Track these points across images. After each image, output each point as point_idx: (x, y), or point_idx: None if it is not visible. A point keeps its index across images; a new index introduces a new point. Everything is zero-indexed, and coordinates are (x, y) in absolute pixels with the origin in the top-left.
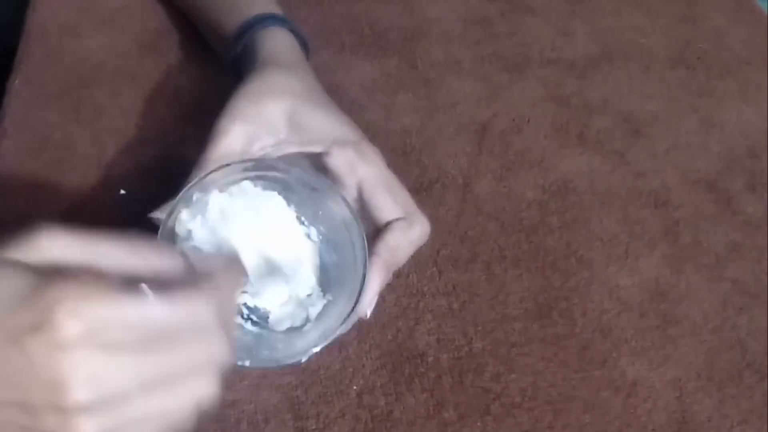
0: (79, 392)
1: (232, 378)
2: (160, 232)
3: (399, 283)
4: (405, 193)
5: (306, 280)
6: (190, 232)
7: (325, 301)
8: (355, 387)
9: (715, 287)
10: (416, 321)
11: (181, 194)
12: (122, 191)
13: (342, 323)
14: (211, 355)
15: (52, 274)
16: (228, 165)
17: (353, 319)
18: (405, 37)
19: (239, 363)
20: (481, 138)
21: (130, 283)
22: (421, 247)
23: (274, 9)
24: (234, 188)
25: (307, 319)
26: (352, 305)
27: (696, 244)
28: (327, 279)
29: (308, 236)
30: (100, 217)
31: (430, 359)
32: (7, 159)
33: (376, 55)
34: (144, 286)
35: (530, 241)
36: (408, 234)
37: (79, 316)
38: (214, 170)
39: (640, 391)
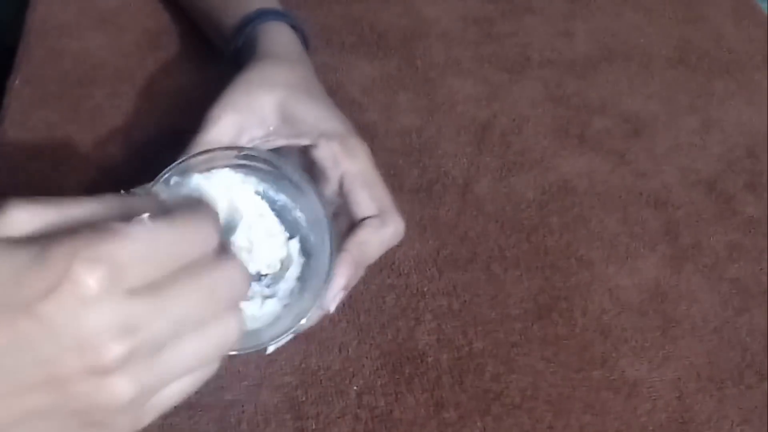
0: (113, 346)
1: (232, 378)
2: None
3: (399, 283)
4: (384, 190)
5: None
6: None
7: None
8: (355, 387)
9: (715, 287)
10: (416, 321)
11: (159, 176)
12: (122, 191)
13: (304, 317)
14: (231, 282)
15: (49, 238)
16: (209, 151)
17: (317, 313)
18: (405, 37)
19: None
20: (481, 138)
21: (125, 220)
22: (421, 248)
23: (275, 4)
24: (214, 174)
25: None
26: (314, 299)
27: (696, 244)
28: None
29: (284, 229)
30: None
31: (430, 359)
32: (7, 159)
33: (376, 55)
34: (143, 216)
35: (530, 241)
36: (379, 232)
37: (97, 263)
38: (195, 155)
39: (640, 391)
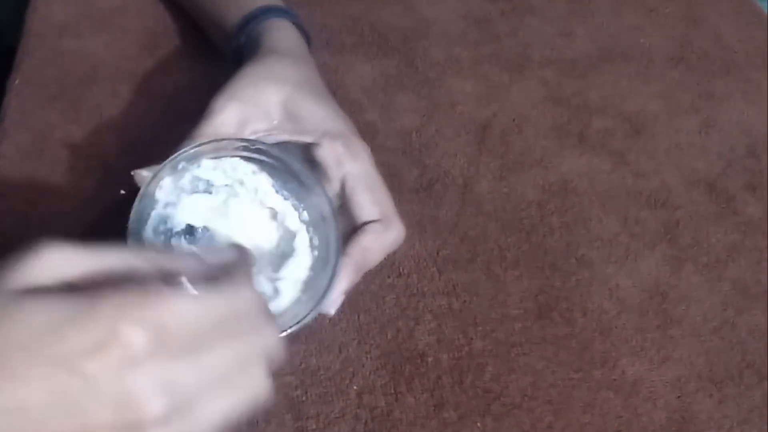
0: (155, 404)
1: None
2: (140, 194)
3: (399, 283)
4: (386, 194)
5: (292, 270)
6: (172, 198)
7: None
8: (355, 387)
9: (715, 287)
10: (416, 321)
11: (168, 161)
12: (122, 191)
13: (304, 319)
14: (264, 344)
15: (95, 291)
16: (219, 140)
17: (315, 314)
18: (405, 37)
19: None
20: (481, 138)
21: (168, 283)
22: (421, 248)
23: (278, 2)
24: (223, 161)
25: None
26: (316, 301)
27: (696, 244)
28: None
29: (294, 223)
30: (100, 217)
31: (430, 359)
32: (7, 159)
33: (376, 55)
34: (184, 280)
35: (530, 241)
36: (382, 237)
37: (144, 326)
38: (205, 143)
39: (640, 391)
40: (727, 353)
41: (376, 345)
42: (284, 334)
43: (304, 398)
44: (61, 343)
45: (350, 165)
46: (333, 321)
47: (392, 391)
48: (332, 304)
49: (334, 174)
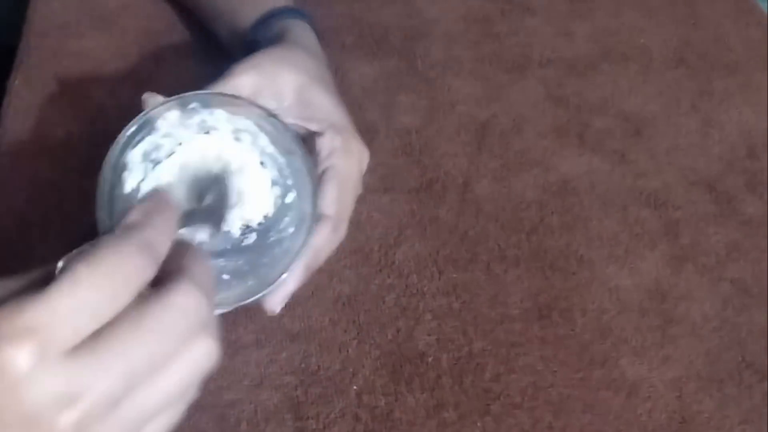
0: (61, 419)
1: (232, 378)
2: (141, 114)
3: (399, 283)
4: (352, 200)
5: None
6: (173, 131)
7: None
8: (355, 387)
9: (715, 287)
10: (416, 321)
11: (181, 95)
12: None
13: (247, 300)
14: (183, 315)
15: None
16: (237, 96)
17: (258, 302)
18: (405, 37)
19: None
20: (481, 138)
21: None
22: (421, 248)
23: (292, 3)
24: (237, 119)
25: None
26: (264, 289)
27: (696, 244)
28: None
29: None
30: None
31: (430, 359)
32: (7, 159)
33: (376, 55)
34: (59, 264)
35: (530, 241)
36: (331, 239)
37: (21, 337)
38: (224, 93)
39: (640, 391)
40: (727, 353)
41: (376, 345)
42: (221, 311)
43: (304, 398)
44: None
45: (338, 158)
46: (333, 321)
47: (392, 391)
48: (278, 304)
49: (322, 163)
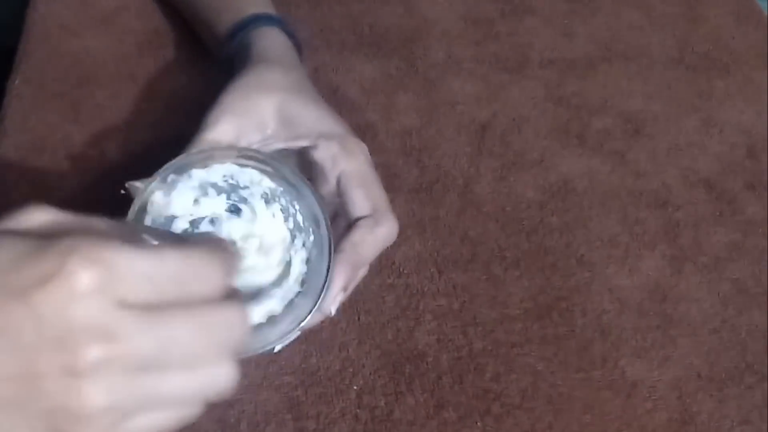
0: (91, 346)
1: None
2: (132, 207)
3: (399, 283)
4: (380, 190)
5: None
6: (165, 210)
7: (292, 297)
8: (355, 387)
9: (715, 287)
10: (416, 321)
11: (157, 173)
12: (122, 191)
13: (303, 321)
14: (230, 327)
15: (60, 231)
16: (207, 150)
17: (317, 316)
18: (405, 37)
19: None
20: (481, 138)
21: (133, 239)
22: (421, 248)
23: (269, 9)
24: (214, 168)
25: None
26: (314, 302)
27: (696, 244)
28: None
29: (289, 231)
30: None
31: (430, 359)
32: (7, 159)
33: (376, 55)
34: (148, 237)
35: (530, 241)
36: (373, 231)
37: (94, 264)
38: (193, 153)
39: (640, 391)
40: (727, 353)
41: (376, 345)
42: (286, 340)
43: (304, 398)
44: (16, 275)
45: (345, 163)
46: (333, 321)
47: (392, 391)
48: (332, 303)
49: (331, 174)
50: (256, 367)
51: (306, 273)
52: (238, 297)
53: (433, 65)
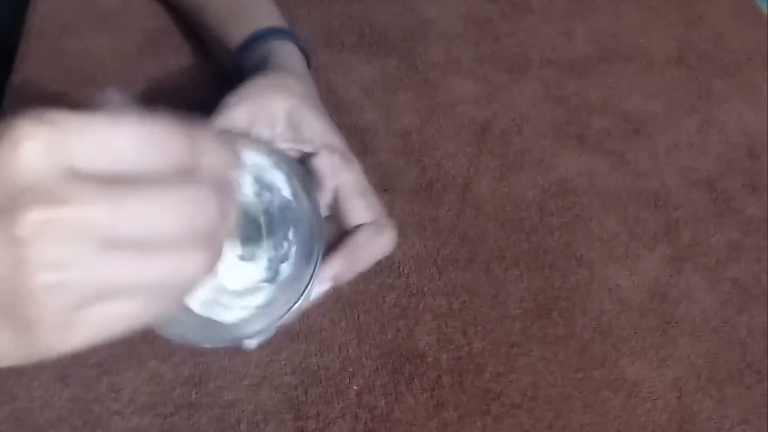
0: (33, 210)
1: (232, 378)
2: None
3: (399, 283)
4: (379, 202)
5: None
6: None
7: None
8: (355, 387)
9: (715, 287)
10: (416, 321)
11: None
12: None
13: (286, 313)
14: (197, 208)
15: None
16: (233, 133)
17: (299, 307)
18: (405, 37)
19: (177, 338)
20: (481, 138)
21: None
22: (421, 248)
23: (282, 22)
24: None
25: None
26: (299, 295)
27: (696, 244)
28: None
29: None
30: None
31: (430, 359)
32: None
33: (376, 55)
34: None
35: (530, 241)
36: (376, 237)
37: (43, 123)
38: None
39: (640, 391)
40: (727, 353)
41: (376, 345)
42: (268, 334)
43: (304, 398)
44: None
45: (345, 175)
46: (333, 321)
47: (392, 391)
48: (317, 290)
49: (329, 183)
50: (256, 367)
51: (294, 262)
52: (208, 179)
53: (433, 65)
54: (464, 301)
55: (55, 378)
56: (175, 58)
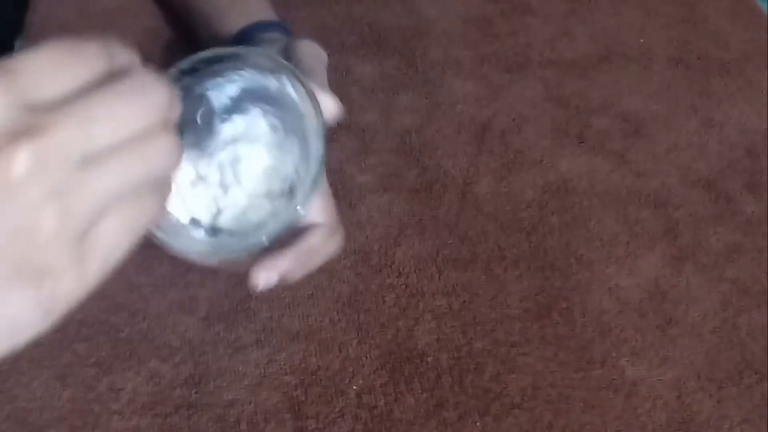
0: (19, 149)
1: (232, 378)
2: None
3: (399, 283)
4: (334, 206)
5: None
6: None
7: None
8: (355, 387)
9: (715, 287)
10: (416, 321)
11: (178, 63)
12: None
13: (311, 191)
14: (152, 96)
15: None
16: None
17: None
18: (405, 37)
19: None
20: (481, 138)
21: None
22: (421, 248)
23: (273, 16)
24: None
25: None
26: (296, 209)
27: (696, 244)
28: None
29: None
30: None
31: (430, 359)
32: None
33: (376, 55)
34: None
35: (530, 241)
36: (329, 240)
37: None
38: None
39: (640, 391)
40: (727, 353)
41: (376, 345)
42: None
43: (304, 398)
44: None
45: None
46: (333, 321)
47: (392, 391)
48: (258, 276)
49: None
50: (256, 367)
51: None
52: (135, 71)
53: (433, 65)
54: (464, 301)
55: (55, 378)
56: (176, 58)
